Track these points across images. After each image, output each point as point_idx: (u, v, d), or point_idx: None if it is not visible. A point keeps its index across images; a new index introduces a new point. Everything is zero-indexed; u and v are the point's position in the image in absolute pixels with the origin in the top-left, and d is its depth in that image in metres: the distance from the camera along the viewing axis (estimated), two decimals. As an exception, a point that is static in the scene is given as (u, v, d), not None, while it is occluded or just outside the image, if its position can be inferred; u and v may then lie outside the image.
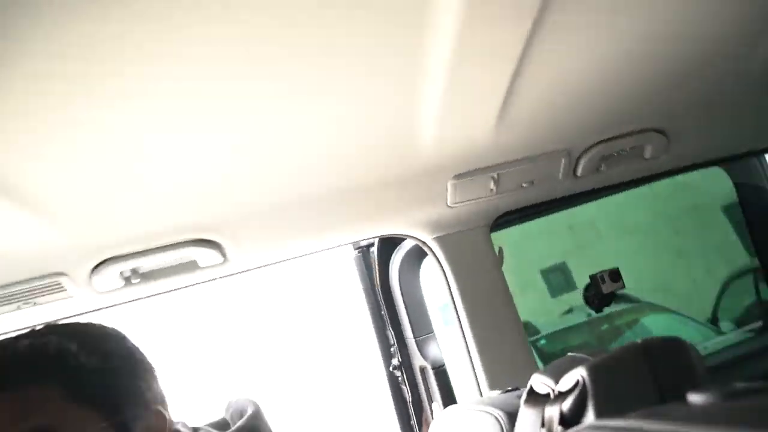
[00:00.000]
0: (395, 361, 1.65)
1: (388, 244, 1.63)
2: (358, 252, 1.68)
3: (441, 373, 1.58)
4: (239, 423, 0.75)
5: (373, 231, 1.40)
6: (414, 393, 1.62)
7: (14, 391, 0.61)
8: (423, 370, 1.60)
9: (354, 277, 1.74)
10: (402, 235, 1.42)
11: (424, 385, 1.60)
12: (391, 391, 1.67)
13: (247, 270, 1.30)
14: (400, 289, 1.65)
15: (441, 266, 1.41)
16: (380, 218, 1.30)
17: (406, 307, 1.62)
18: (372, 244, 1.68)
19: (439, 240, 1.39)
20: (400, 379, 1.64)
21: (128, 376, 0.68)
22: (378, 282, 1.68)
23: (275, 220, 1.16)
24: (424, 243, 1.42)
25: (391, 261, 1.65)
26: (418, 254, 1.58)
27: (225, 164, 0.93)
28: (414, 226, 1.36)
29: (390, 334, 1.65)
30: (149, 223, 1.03)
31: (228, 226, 1.11)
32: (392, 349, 1.66)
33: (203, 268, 1.19)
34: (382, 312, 1.66)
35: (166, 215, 1.02)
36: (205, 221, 1.08)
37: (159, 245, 1.07)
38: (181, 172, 0.90)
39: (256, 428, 0.74)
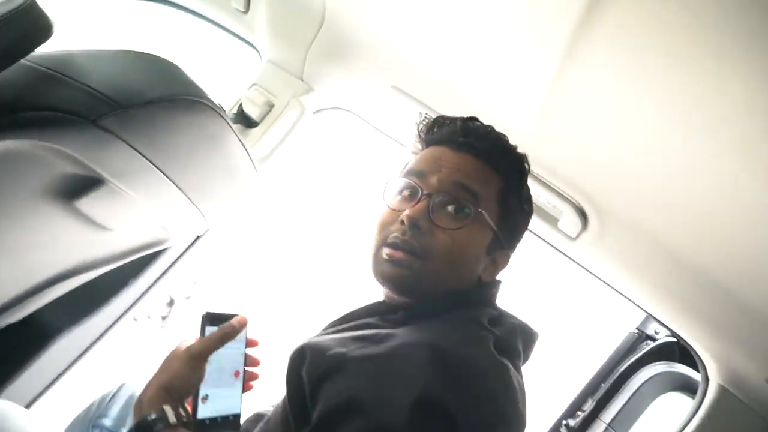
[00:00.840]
0: (571, 422, 1.71)
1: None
2: (637, 333, 1.74)
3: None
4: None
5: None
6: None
7: (487, 163, 0.79)
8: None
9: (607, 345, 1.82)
10: None
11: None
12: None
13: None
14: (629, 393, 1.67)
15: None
16: None
17: (624, 403, 1.65)
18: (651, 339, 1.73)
19: None
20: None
21: (523, 228, 0.85)
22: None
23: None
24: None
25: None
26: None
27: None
28: None
29: (590, 401, 1.71)
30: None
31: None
32: (578, 413, 1.72)
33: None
34: (602, 384, 1.72)
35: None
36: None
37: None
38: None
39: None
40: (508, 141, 0.83)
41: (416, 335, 0.66)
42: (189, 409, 0.65)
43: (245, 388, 0.73)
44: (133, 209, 0.87)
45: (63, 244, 0.89)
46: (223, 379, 0.70)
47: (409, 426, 0.55)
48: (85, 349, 1.14)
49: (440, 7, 0.96)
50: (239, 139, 0.86)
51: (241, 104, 1.23)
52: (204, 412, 0.66)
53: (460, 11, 0.94)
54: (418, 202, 0.74)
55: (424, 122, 0.85)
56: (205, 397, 0.67)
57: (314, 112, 1.28)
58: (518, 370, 0.71)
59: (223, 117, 0.80)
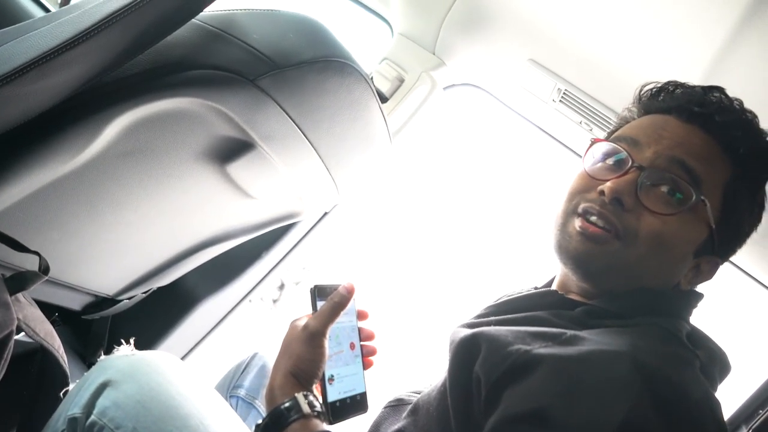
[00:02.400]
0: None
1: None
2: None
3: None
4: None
5: None
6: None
7: (720, 142, 0.65)
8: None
9: None
10: None
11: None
12: None
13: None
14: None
15: None
16: None
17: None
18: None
19: None
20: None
21: (746, 237, 0.70)
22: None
23: None
24: None
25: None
26: None
27: None
28: None
29: None
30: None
31: None
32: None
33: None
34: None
35: None
36: None
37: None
38: None
39: None
40: (758, 123, 0.67)
41: (611, 342, 0.55)
42: (318, 393, 0.61)
43: (365, 364, 0.68)
44: (275, 177, 0.89)
45: (212, 210, 0.94)
46: (342, 356, 0.66)
47: None
48: (224, 316, 1.20)
49: None
50: (380, 108, 0.85)
51: (371, 78, 1.23)
52: (333, 394, 0.63)
53: None
54: (625, 173, 0.63)
55: (648, 87, 0.73)
56: (331, 378, 0.63)
57: (444, 88, 1.25)
58: None
59: (368, 82, 0.79)
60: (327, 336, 0.61)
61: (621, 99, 1.05)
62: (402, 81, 1.19)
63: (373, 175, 1.02)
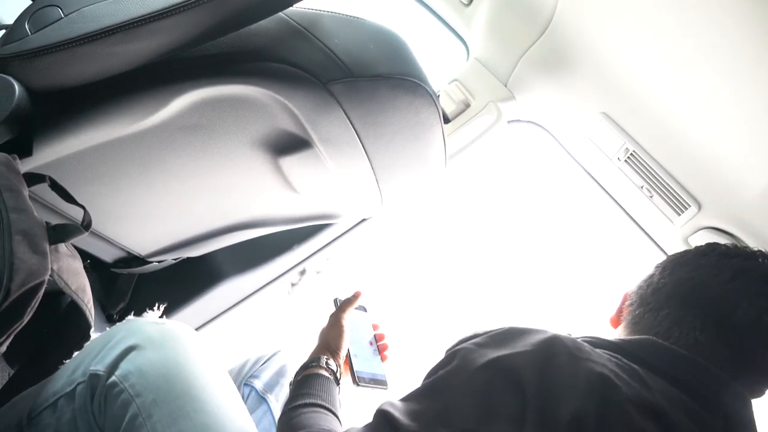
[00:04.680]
0: None
1: None
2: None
3: None
4: None
5: None
6: None
7: None
8: None
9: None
10: None
11: None
12: None
13: None
14: None
15: None
16: None
17: None
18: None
19: None
20: None
21: None
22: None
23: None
24: None
25: None
26: None
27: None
28: None
29: None
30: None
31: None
32: None
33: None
34: None
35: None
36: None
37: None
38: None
39: None
40: None
41: None
42: (345, 366, 0.81)
43: (382, 358, 0.89)
44: (323, 178, 0.89)
45: (256, 196, 0.94)
46: (362, 346, 0.88)
47: None
48: (243, 298, 1.21)
49: (686, 44, 0.84)
50: (443, 134, 0.83)
51: (438, 97, 1.21)
52: (358, 366, 0.83)
53: (711, 56, 0.81)
54: None
55: None
56: (356, 356, 0.84)
57: (509, 122, 1.22)
58: None
59: (437, 106, 0.77)
60: (344, 319, 0.84)
61: (689, 172, 1.01)
62: (468, 105, 1.17)
63: (421, 194, 1.01)
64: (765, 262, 0.65)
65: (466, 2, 1.15)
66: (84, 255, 1.01)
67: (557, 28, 1.02)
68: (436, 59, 1.36)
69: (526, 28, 1.05)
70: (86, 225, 0.67)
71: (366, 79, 0.70)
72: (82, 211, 0.69)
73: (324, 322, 0.87)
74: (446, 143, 0.84)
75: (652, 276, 0.71)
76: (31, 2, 0.73)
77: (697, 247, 0.71)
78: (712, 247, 0.69)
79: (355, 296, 0.89)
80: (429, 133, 0.82)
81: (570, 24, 1.00)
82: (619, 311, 0.73)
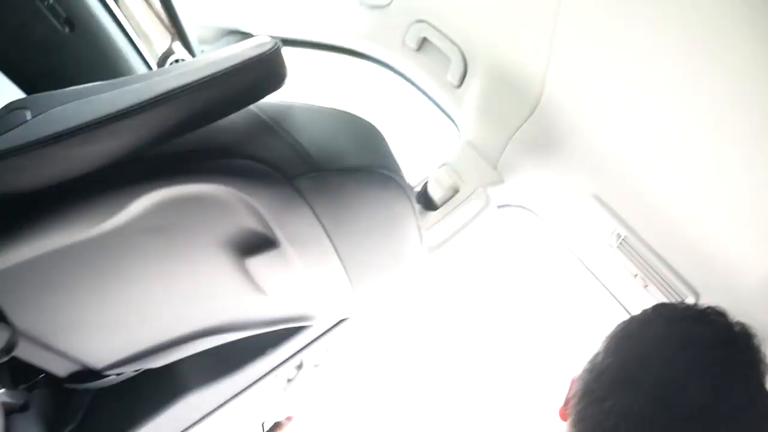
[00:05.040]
0: None
1: None
2: None
3: None
4: None
5: None
6: None
7: None
8: None
9: None
10: None
11: None
12: None
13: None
14: None
15: None
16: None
17: None
18: None
19: None
20: None
21: None
22: None
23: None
24: None
25: None
26: None
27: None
28: None
29: None
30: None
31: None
32: None
33: None
34: None
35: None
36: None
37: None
38: None
39: None
40: None
41: None
42: None
43: None
44: (292, 278, 0.85)
45: (222, 300, 0.89)
46: None
47: None
48: (212, 410, 1.11)
49: (682, 127, 0.84)
50: (419, 228, 0.81)
51: (426, 183, 1.19)
52: None
53: (706, 140, 0.81)
54: None
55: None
56: None
57: (498, 207, 1.20)
58: None
59: (410, 200, 0.76)
60: None
61: (686, 259, 0.95)
62: (456, 191, 1.15)
63: (399, 291, 0.96)
64: (717, 321, 0.59)
65: (456, 84, 1.17)
66: (35, 370, 0.93)
67: (545, 108, 1.02)
68: (428, 141, 1.37)
69: (515, 108, 1.05)
70: (7, 348, 0.60)
71: (333, 172, 0.68)
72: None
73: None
74: (433, 229, 0.82)
75: (597, 355, 0.63)
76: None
77: (644, 311, 0.65)
78: (658, 310, 0.63)
79: (287, 420, 0.80)
80: (403, 229, 0.79)
81: (559, 103, 1.01)
82: (566, 402, 0.64)
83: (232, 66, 0.63)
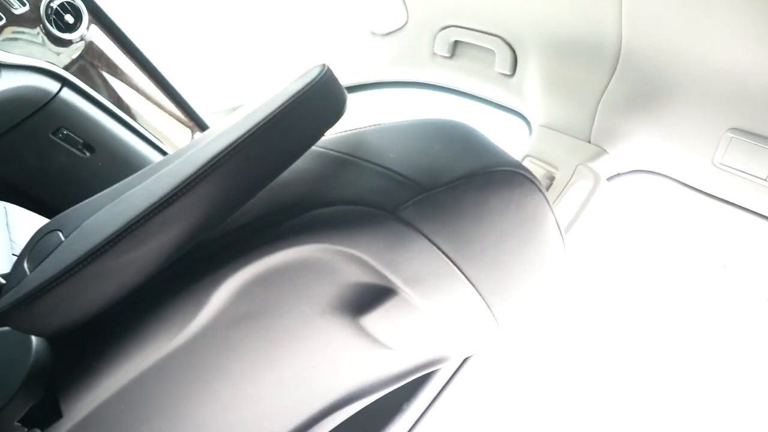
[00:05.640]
0: None
1: None
2: None
3: None
4: None
5: None
6: None
7: None
8: None
9: None
10: None
11: None
12: None
13: None
14: None
15: None
16: None
17: None
18: None
19: None
20: None
21: None
22: None
23: None
24: None
25: None
26: None
27: None
28: None
29: None
30: None
31: None
32: None
33: None
34: None
35: None
36: None
37: None
38: None
39: None
40: None
41: None
42: None
43: None
44: (419, 322, 0.69)
45: (342, 369, 0.75)
46: None
47: None
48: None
49: None
50: (557, 223, 0.63)
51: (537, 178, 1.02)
52: None
53: None
54: None
55: None
56: None
57: (608, 178, 1.00)
58: None
59: (542, 192, 0.58)
60: None
61: None
62: (552, 178, 0.97)
63: (546, 301, 0.78)
64: None
65: (509, 73, 1.01)
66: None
67: (629, 60, 0.85)
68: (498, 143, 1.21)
69: (592, 72, 0.89)
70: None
71: (442, 188, 0.52)
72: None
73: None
74: (563, 232, 0.64)
75: None
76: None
77: None
78: None
79: None
80: (541, 227, 0.61)
81: (643, 50, 0.82)
82: None
83: (281, 105, 0.49)
